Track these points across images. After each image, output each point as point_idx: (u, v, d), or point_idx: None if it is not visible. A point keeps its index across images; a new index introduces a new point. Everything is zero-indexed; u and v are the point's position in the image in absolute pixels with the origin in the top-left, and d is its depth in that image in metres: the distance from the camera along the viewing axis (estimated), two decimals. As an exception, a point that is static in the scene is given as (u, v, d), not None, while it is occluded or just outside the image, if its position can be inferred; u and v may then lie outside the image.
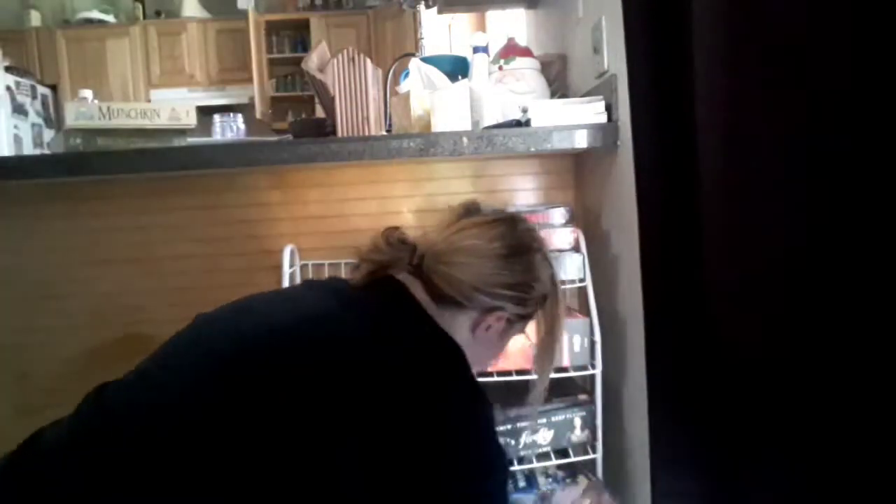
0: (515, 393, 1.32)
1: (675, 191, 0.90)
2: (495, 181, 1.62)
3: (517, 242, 0.87)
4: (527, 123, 1.37)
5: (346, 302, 0.81)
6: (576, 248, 1.35)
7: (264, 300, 0.83)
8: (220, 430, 0.66)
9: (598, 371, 1.28)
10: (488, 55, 1.66)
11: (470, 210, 0.93)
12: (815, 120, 0.62)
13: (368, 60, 1.44)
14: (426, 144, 1.32)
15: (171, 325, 0.82)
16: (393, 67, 2.03)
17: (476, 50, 1.62)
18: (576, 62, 1.64)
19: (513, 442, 1.28)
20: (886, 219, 0.56)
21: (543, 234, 1.34)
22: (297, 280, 1.48)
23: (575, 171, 1.62)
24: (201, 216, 1.56)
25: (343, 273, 1.46)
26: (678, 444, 0.94)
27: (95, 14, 4.95)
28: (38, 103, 2.00)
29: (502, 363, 1.27)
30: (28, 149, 1.92)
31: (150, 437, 0.66)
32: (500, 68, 1.62)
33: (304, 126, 1.70)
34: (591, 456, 1.31)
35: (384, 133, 1.57)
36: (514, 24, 2.53)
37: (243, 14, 4.84)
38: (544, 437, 1.30)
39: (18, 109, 1.89)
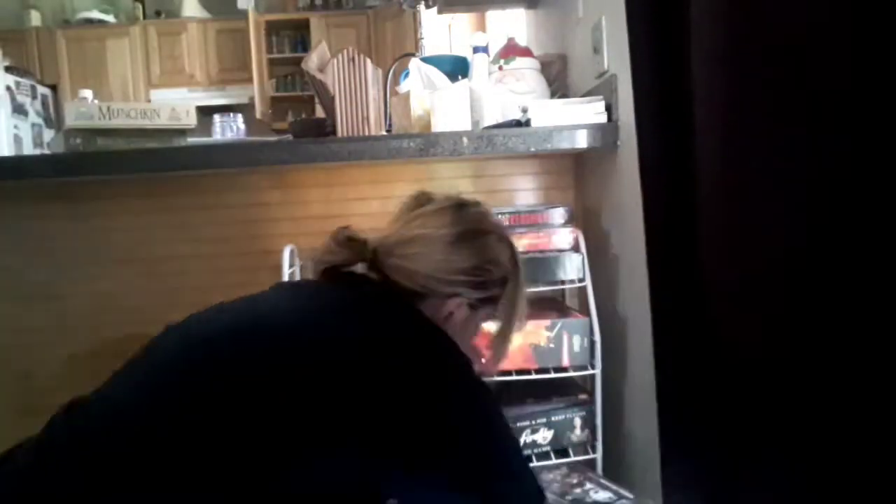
0: (515, 393, 1.33)
1: (679, 190, 0.90)
2: (495, 181, 1.62)
3: (467, 227, 0.86)
4: (527, 123, 1.37)
5: (330, 301, 0.81)
6: (576, 248, 1.35)
7: (250, 302, 0.82)
8: (218, 431, 0.66)
9: (597, 371, 1.28)
10: (488, 55, 1.66)
11: (420, 201, 0.92)
12: (813, 120, 0.62)
13: (368, 60, 1.44)
14: (426, 144, 1.32)
15: (171, 326, 0.81)
16: (393, 67, 2.03)
17: (476, 50, 1.62)
18: (576, 62, 1.65)
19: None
20: (886, 219, 0.56)
21: (543, 234, 1.35)
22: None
23: (575, 171, 1.62)
24: (201, 216, 1.56)
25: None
26: (687, 442, 0.93)
27: (95, 14, 4.96)
28: (38, 103, 2.00)
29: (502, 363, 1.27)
30: (28, 149, 1.92)
31: (150, 437, 0.66)
32: (500, 68, 1.62)
33: (304, 126, 1.70)
34: (590, 456, 1.31)
35: (384, 133, 1.57)
36: (514, 24, 2.53)
37: (243, 14, 4.85)
38: (544, 436, 1.30)
39: (18, 109, 1.90)
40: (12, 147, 1.83)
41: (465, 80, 1.60)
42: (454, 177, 1.60)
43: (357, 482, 0.70)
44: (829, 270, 0.63)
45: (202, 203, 1.56)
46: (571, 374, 1.30)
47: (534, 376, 1.29)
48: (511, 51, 1.67)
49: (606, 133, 1.32)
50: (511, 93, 1.56)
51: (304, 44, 5.08)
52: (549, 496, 1.09)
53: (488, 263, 0.87)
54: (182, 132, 1.62)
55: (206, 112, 2.24)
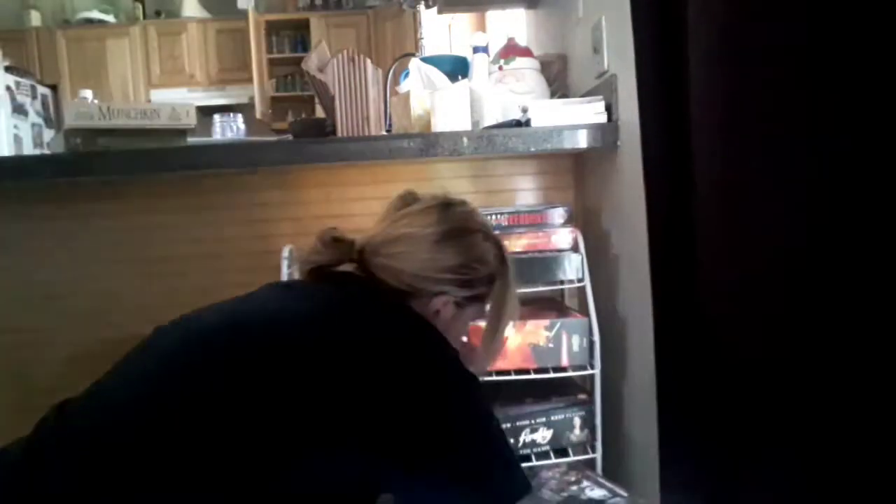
0: (514, 393, 1.33)
1: (682, 190, 0.90)
2: (495, 181, 1.62)
3: (452, 225, 0.87)
4: (527, 123, 1.37)
5: (322, 300, 0.81)
6: (575, 249, 1.35)
7: (242, 302, 0.83)
8: (216, 431, 0.66)
9: (597, 371, 1.28)
10: (488, 55, 1.66)
11: (407, 200, 0.93)
12: (812, 120, 0.63)
13: (368, 60, 1.44)
14: (426, 144, 1.32)
15: (171, 325, 0.81)
16: (393, 67, 2.03)
17: (476, 50, 1.62)
18: (576, 62, 1.65)
19: (512, 441, 1.28)
20: (884, 219, 0.56)
21: (543, 234, 1.35)
22: (297, 280, 1.48)
23: (575, 171, 1.62)
24: (201, 216, 1.56)
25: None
26: (686, 442, 0.93)
27: (95, 14, 4.96)
28: (38, 103, 2.00)
29: (501, 363, 1.27)
30: (28, 149, 1.92)
31: (145, 438, 0.66)
32: (500, 68, 1.62)
33: (304, 126, 1.70)
34: (590, 455, 1.32)
35: (384, 133, 1.57)
36: (514, 24, 2.53)
37: (243, 14, 4.85)
38: (544, 436, 1.30)
39: (18, 109, 1.90)
40: (12, 147, 1.83)
41: (465, 80, 1.60)
42: (454, 177, 1.60)
43: (357, 481, 0.70)
44: (829, 270, 0.63)
45: (202, 203, 1.56)
46: (571, 373, 1.31)
47: (533, 376, 1.29)
48: (511, 51, 1.67)
49: (606, 133, 1.32)
50: (511, 93, 1.56)
51: (304, 44, 5.08)
52: (546, 493, 1.09)
53: (474, 262, 0.88)
54: (182, 132, 1.62)
55: (206, 112, 2.24)
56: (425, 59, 1.85)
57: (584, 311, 1.35)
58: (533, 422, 1.29)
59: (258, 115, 4.83)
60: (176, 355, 0.74)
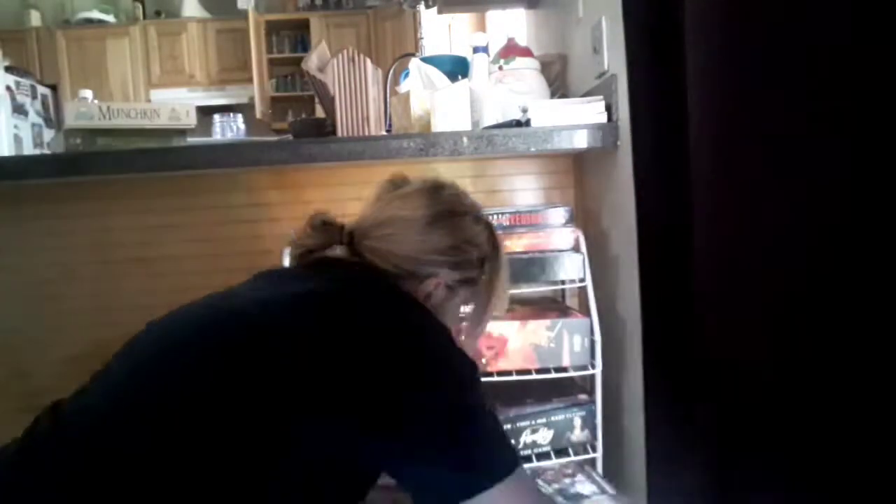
0: (515, 393, 1.33)
1: (674, 192, 0.90)
2: (495, 181, 1.62)
3: (442, 208, 0.87)
4: (527, 123, 1.37)
5: (312, 285, 0.80)
6: (576, 249, 1.35)
7: (238, 289, 0.82)
8: (216, 415, 0.65)
9: (597, 371, 1.28)
10: (488, 55, 1.66)
11: (396, 183, 0.93)
12: (809, 124, 0.62)
13: (368, 60, 1.44)
14: (426, 144, 1.32)
15: (171, 325, 0.81)
16: (393, 67, 2.03)
17: (476, 50, 1.62)
18: (576, 62, 1.64)
19: (513, 441, 1.28)
20: (882, 223, 0.56)
21: (543, 234, 1.35)
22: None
23: (575, 171, 1.62)
24: (201, 216, 1.56)
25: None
26: (674, 442, 0.94)
27: (95, 14, 4.96)
28: (38, 103, 2.00)
29: (504, 363, 1.27)
30: (28, 149, 1.92)
31: (141, 437, 0.65)
32: (500, 68, 1.62)
33: (304, 126, 1.70)
34: (590, 455, 1.32)
35: (384, 133, 1.57)
36: (514, 24, 2.53)
37: (243, 14, 4.85)
38: (544, 436, 1.30)
39: (18, 109, 1.90)
40: (12, 147, 1.83)
41: (465, 80, 1.59)
42: (454, 177, 1.58)
43: (356, 464, 0.70)
44: (823, 273, 0.63)
45: (202, 203, 1.56)
46: (571, 373, 1.31)
47: (534, 376, 1.29)
48: (511, 51, 1.67)
49: (606, 133, 1.32)
50: (511, 93, 1.56)
51: (304, 44, 5.09)
52: (539, 482, 1.11)
53: (465, 244, 0.87)
54: (182, 132, 1.62)
55: (206, 112, 2.24)
56: (425, 59, 1.85)
57: (584, 311, 1.35)
58: (533, 422, 1.29)
59: (258, 114, 4.83)
60: (169, 348, 0.73)
